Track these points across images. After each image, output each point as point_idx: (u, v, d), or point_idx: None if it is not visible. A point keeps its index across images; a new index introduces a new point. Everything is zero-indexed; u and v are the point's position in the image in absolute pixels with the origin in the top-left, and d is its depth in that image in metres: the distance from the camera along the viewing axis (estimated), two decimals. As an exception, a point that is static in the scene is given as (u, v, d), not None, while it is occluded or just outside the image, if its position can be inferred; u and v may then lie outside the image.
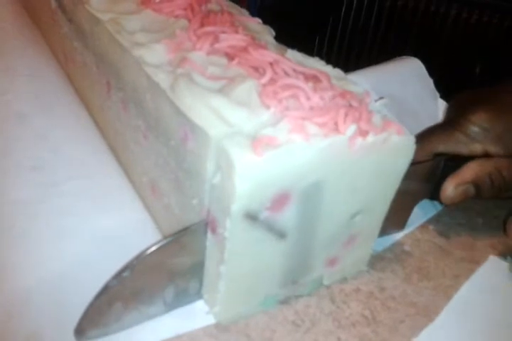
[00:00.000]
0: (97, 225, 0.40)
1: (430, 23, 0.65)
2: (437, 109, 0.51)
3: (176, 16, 0.41)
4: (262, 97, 0.31)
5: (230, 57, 0.36)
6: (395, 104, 0.34)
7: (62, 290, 0.35)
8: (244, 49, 0.35)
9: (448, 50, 0.62)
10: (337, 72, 0.36)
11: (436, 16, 0.64)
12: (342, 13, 0.68)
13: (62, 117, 0.52)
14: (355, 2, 0.68)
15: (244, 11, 0.46)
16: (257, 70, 0.34)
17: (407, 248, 0.41)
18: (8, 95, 0.53)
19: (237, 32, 0.38)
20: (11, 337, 0.32)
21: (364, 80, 0.48)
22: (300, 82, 0.32)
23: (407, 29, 0.66)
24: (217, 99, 0.30)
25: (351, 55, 0.69)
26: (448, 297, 0.37)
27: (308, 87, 0.32)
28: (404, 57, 0.54)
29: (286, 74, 0.33)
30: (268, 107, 0.30)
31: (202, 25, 0.39)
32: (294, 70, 0.33)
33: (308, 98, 0.31)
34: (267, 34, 0.42)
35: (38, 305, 0.33)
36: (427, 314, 0.35)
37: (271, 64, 0.34)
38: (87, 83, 0.52)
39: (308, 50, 0.39)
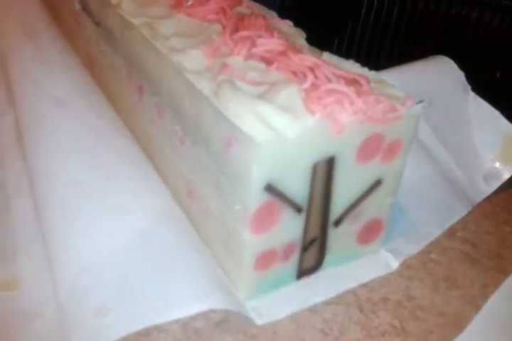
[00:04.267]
0: (150, 203, 0.40)
1: (451, 26, 0.64)
2: (468, 103, 0.51)
3: (209, 20, 0.41)
4: (307, 103, 0.31)
5: (268, 61, 0.36)
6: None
7: (123, 261, 0.35)
8: (283, 53, 0.36)
9: (468, 53, 0.61)
10: (373, 75, 0.36)
11: (457, 19, 0.64)
12: (361, 15, 0.68)
13: (102, 106, 0.53)
14: (375, 4, 0.67)
15: (273, 13, 0.45)
16: (297, 75, 0.34)
17: (434, 256, 0.40)
18: (46, 82, 0.54)
19: (272, 36, 0.38)
20: (80, 310, 0.32)
21: (393, 79, 0.48)
22: (343, 87, 0.32)
23: (427, 32, 0.65)
24: (261, 105, 0.31)
25: (370, 57, 0.69)
26: (477, 306, 0.36)
27: (351, 91, 0.32)
28: (431, 56, 0.54)
29: (328, 78, 0.33)
30: (313, 113, 0.30)
31: (237, 29, 0.39)
32: (334, 74, 0.33)
33: (352, 103, 0.31)
34: (300, 37, 0.42)
35: (101, 278, 0.34)
36: (456, 324, 0.35)
37: (311, 68, 0.34)
38: (115, 85, 0.52)
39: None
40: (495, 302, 0.37)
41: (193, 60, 0.36)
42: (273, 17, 0.44)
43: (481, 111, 0.50)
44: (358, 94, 0.32)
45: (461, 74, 0.52)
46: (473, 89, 0.53)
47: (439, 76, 0.51)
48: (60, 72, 0.58)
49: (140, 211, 0.40)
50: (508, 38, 0.62)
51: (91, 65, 0.60)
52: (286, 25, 0.43)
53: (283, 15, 0.45)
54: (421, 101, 0.34)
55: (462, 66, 0.53)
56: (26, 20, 0.67)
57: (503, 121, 0.50)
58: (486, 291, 0.38)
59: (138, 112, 0.47)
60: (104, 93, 0.57)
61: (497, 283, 0.38)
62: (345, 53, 0.41)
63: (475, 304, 0.36)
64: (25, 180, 0.43)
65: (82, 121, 0.50)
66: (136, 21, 0.42)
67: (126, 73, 0.48)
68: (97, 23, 0.53)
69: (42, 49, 0.62)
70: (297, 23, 0.44)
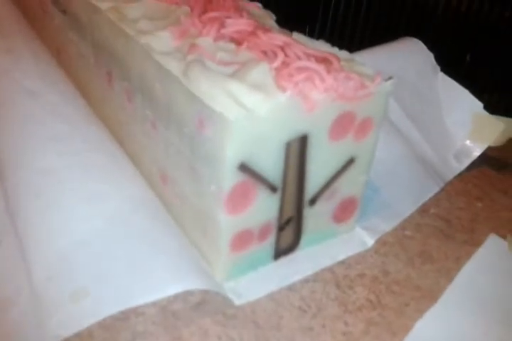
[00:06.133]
0: (124, 189, 0.40)
1: (420, 10, 0.65)
2: (438, 83, 0.52)
3: (177, 3, 0.41)
4: (278, 80, 0.31)
5: (238, 42, 0.35)
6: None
7: (100, 246, 0.35)
8: (253, 33, 0.35)
9: (438, 37, 0.62)
10: (344, 54, 0.37)
11: (426, 4, 0.64)
12: (333, 0, 0.68)
13: (72, 95, 0.53)
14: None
15: (242, -3, 0.45)
16: (267, 54, 0.34)
17: (408, 232, 0.41)
18: (15, 73, 0.53)
19: (241, 17, 0.38)
20: (56, 296, 0.32)
21: (363, 60, 0.48)
22: (314, 65, 0.32)
23: (397, 16, 0.66)
24: (232, 84, 0.30)
25: (343, 42, 0.69)
26: (451, 279, 0.37)
27: (321, 69, 0.32)
28: (401, 38, 0.54)
29: (298, 57, 0.33)
30: (284, 90, 0.30)
31: (205, 11, 0.39)
32: (305, 53, 0.33)
33: (322, 80, 0.31)
34: (269, 19, 0.42)
35: (77, 263, 0.34)
36: (432, 296, 0.36)
37: (281, 47, 0.34)
38: (84, 74, 0.51)
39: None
40: (467, 272, 0.37)
41: (162, 41, 0.36)
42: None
43: (451, 91, 0.51)
44: (329, 71, 0.32)
45: (430, 55, 0.52)
46: (443, 72, 0.53)
47: (408, 57, 0.52)
48: (29, 63, 0.57)
49: (115, 197, 0.39)
50: (476, 23, 0.63)
51: (58, 55, 0.59)
52: (256, 7, 0.43)
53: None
54: (390, 78, 0.34)
55: (432, 50, 0.54)
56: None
57: (473, 99, 0.50)
58: (460, 264, 0.38)
59: (108, 99, 0.47)
60: (74, 82, 0.56)
61: (471, 256, 0.39)
62: (317, 39, 0.41)
63: (449, 277, 0.37)
64: None
65: (53, 111, 0.49)
66: (103, 6, 0.42)
67: (95, 60, 0.47)
68: (64, 12, 0.52)
69: (9, 41, 0.61)
70: (267, 10, 0.44)
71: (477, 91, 0.52)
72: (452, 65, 0.58)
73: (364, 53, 0.50)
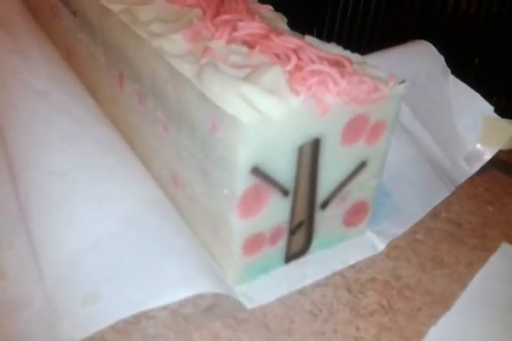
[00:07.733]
0: (135, 191, 0.40)
1: (429, 12, 0.65)
2: (448, 86, 0.52)
3: (189, 5, 0.41)
4: (291, 84, 0.31)
5: (250, 45, 0.35)
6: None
7: (110, 248, 0.35)
8: (265, 36, 0.35)
9: (447, 40, 0.62)
10: (356, 57, 0.36)
11: (435, 7, 0.64)
12: (341, 3, 0.68)
13: (82, 95, 0.52)
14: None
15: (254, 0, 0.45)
16: (280, 57, 0.34)
17: (419, 236, 0.41)
18: (24, 73, 0.53)
19: (254, 20, 0.38)
20: (68, 299, 0.32)
21: (373, 63, 0.48)
22: (327, 68, 0.31)
23: (406, 18, 0.66)
24: (245, 87, 0.30)
25: (351, 44, 0.69)
26: (463, 284, 0.37)
27: (334, 72, 0.32)
28: (411, 41, 0.54)
29: (311, 60, 0.33)
30: (297, 93, 0.30)
31: (218, 13, 0.39)
32: (318, 56, 0.33)
33: (336, 84, 0.31)
34: (281, 21, 0.42)
35: (89, 266, 0.34)
36: (444, 302, 0.35)
37: (294, 50, 0.34)
38: (95, 75, 0.51)
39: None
40: (481, 279, 0.37)
41: (174, 44, 0.36)
42: (253, 2, 0.44)
43: (461, 94, 0.51)
44: (342, 75, 0.32)
45: (440, 58, 0.52)
46: (453, 74, 0.53)
47: (419, 60, 0.51)
48: (39, 63, 0.57)
49: (125, 199, 0.39)
50: (485, 25, 0.63)
51: (69, 56, 0.59)
52: (267, 10, 0.43)
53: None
54: (403, 82, 0.34)
55: (441, 52, 0.54)
56: (1, 12, 0.66)
57: (483, 102, 0.50)
58: (471, 269, 0.38)
59: (119, 101, 0.47)
60: (84, 84, 0.56)
61: (482, 261, 0.39)
62: (326, 41, 0.41)
63: (461, 282, 0.37)
64: (6, 171, 0.42)
65: (63, 112, 0.49)
66: (115, 8, 0.42)
67: (106, 62, 0.47)
68: (74, 13, 0.52)
69: (18, 41, 0.61)
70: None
71: (486, 95, 0.52)
72: (461, 67, 0.57)
73: (374, 56, 0.50)
